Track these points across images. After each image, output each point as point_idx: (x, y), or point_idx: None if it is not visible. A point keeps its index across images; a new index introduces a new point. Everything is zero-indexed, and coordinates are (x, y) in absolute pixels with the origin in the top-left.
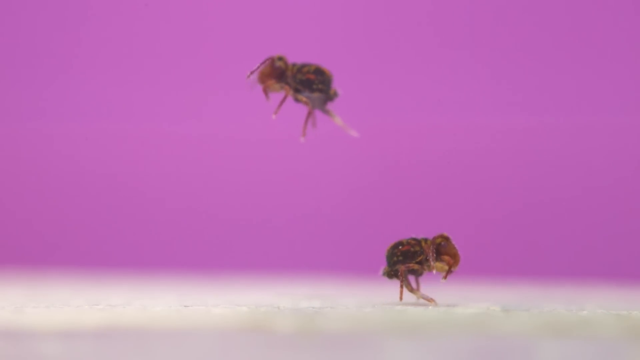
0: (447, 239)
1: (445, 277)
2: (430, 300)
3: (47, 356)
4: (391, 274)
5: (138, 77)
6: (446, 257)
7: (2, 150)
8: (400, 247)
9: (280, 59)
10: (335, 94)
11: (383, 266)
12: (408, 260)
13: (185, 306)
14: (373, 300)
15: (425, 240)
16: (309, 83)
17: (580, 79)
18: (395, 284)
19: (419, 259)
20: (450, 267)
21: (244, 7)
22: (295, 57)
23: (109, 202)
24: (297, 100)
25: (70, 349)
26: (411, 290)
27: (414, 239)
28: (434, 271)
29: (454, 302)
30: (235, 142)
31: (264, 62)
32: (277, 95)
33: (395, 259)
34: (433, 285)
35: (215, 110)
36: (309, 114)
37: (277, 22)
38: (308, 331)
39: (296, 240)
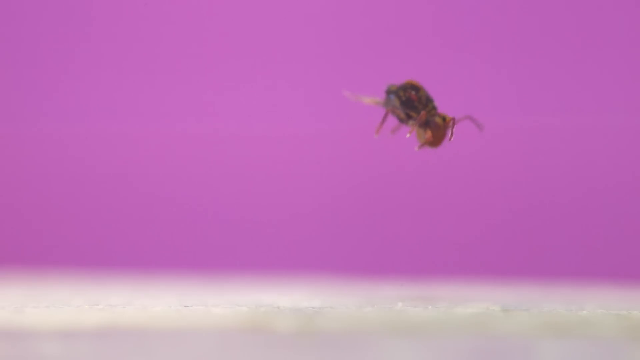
0: (446, 121)
1: (417, 148)
2: (377, 129)
3: (47, 356)
4: (388, 94)
5: (136, 77)
6: (429, 133)
7: (2, 150)
8: (411, 92)
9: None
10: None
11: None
12: (403, 106)
13: (185, 306)
14: (373, 300)
15: (431, 109)
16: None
17: (580, 79)
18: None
19: (411, 114)
20: (425, 142)
21: (244, 5)
22: (295, 55)
23: (109, 202)
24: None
25: (70, 349)
26: (382, 121)
27: (428, 100)
28: (408, 134)
29: (454, 302)
30: (235, 141)
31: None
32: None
33: (400, 93)
34: (432, 283)
35: (214, 109)
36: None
37: (277, 20)
38: (308, 331)
39: (296, 240)
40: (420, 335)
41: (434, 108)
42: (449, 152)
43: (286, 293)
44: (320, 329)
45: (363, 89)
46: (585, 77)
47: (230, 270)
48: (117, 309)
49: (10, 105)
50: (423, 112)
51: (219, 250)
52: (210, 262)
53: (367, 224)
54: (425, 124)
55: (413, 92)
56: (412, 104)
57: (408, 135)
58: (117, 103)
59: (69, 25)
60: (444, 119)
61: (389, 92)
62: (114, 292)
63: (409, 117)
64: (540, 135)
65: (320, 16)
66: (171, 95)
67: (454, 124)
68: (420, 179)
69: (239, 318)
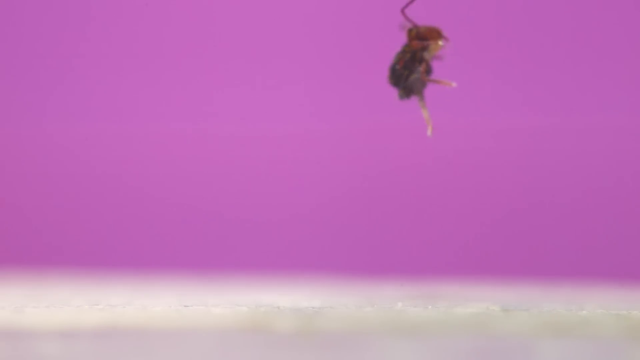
0: (417, 26)
1: (447, 40)
2: (429, 124)
3: (47, 356)
4: (407, 91)
5: (136, 78)
6: (430, 35)
7: (2, 150)
8: (398, 67)
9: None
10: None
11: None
12: (414, 68)
13: (185, 306)
14: (373, 300)
15: (406, 44)
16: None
17: (580, 79)
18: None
19: (418, 57)
20: (441, 39)
21: (244, 5)
22: (295, 55)
23: (109, 202)
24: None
25: (70, 349)
26: (441, 82)
27: (399, 53)
28: (440, 45)
29: (454, 302)
30: (235, 141)
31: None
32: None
33: (404, 77)
34: (432, 283)
35: (214, 109)
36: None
37: (277, 20)
38: (308, 331)
39: (296, 240)
40: (420, 335)
41: (405, 46)
42: (449, 152)
43: (286, 293)
44: (320, 329)
45: (362, 88)
46: (585, 77)
47: (230, 270)
48: (117, 309)
49: (11, 105)
50: (413, 44)
51: (219, 250)
52: (210, 262)
53: (367, 223)
54: (424, 41)
55: (398, 67)
56: (411, 61)
57: (442, 42)
58: (117, 103)
59: (69, 25)
60: (410, 30)
61: (408, 88)
62: (114, 292)
63: (424, 58)
64: (540, 135)
65: (320, 16)
66: (171, 95)
67: (404, 13)
68: (420, 179)
69: (239, 318)
